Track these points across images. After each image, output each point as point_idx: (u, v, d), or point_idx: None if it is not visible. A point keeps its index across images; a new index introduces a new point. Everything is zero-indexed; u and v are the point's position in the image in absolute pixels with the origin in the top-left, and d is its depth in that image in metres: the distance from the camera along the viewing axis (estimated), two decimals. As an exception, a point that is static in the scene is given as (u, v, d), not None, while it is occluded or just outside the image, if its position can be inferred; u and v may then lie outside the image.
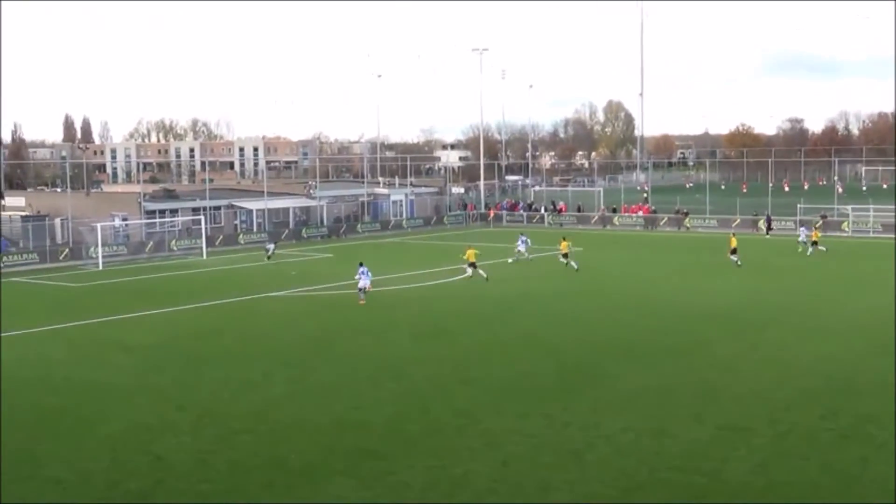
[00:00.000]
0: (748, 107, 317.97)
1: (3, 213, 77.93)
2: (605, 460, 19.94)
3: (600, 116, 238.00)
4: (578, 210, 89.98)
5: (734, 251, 53.07)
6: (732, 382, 26.29)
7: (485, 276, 48.37)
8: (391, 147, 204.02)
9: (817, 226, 67.94)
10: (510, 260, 56.55)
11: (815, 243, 59.09)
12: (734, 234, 56.64)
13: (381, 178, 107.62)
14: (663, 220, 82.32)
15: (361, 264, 43.53)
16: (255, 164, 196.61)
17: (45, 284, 52.12)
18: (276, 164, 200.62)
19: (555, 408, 23.86)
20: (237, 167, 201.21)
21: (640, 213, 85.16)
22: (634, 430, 21.84)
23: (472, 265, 48.89)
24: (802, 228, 63.86)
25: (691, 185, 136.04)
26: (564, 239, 54.86)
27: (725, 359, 29.48)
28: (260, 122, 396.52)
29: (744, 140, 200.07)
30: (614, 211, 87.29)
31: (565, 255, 52.93)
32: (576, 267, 51.73)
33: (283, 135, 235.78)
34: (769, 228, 74.76)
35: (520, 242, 57.35)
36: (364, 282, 42.46)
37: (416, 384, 26.83)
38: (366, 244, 71.85)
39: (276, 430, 22.40)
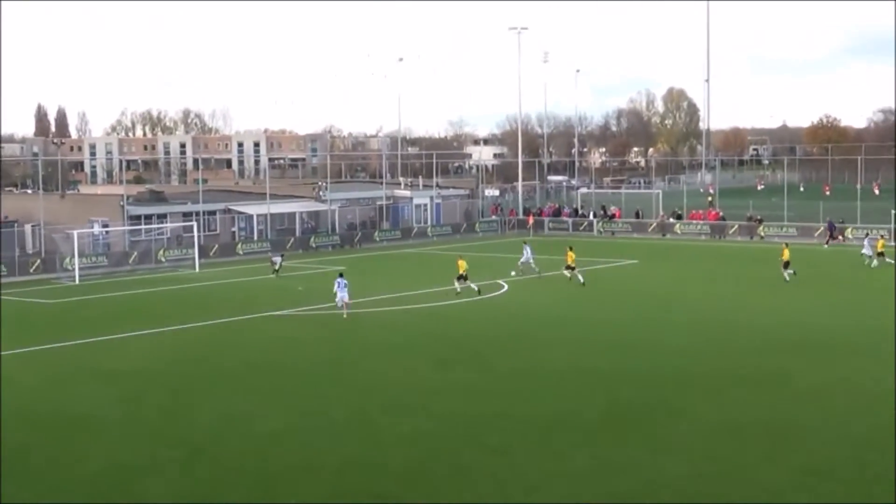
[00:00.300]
0: (833, 95, 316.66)
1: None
2: (662, 509, 19.86)
3: (659, 107, 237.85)
4: (637, 216, 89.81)
5: (787, 264, 53.41)
6: (813, 418, 26.11)
7: (476, 288, 49.53)
8: (414, 142, 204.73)
9: (882, 234, 68.13)
10: (513, 273, 57.23)
11: (881, 254, 59.47)
12: (787, 245, 56.97)
13: (402, 179, 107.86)
14: (733, 229, 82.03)
15: (341, 275, 45.64)
16: (256, 162, 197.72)
17: (14, 301, 52.53)
18: (281, 161, 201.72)
19: (604, 447, 23.79)
20: (235, 165, 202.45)
21: (706, 221, 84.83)
22: (698, 475, 21.72)
23: (463, 277, 49.95)
24: (867, 240, 63.84)
25: (763, 186, 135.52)
26: (571, 249, 55.89)
27: (806, 391, 29.28)
28: (262, 114, 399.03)
29: (828, 134, 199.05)
30: (678, 217, 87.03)
31: (571, 268, 53.86)
32: (581, 281, 52.61)
33: (289, 128, 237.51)
34: (832, 237, 75.09)
35: (525, 252, 58.30)
36: (341, 294, 44.30)
37: (441, 418, 26.82)
38: (384, 255, 72.03)
39: (276, 471, 22.44)
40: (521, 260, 57.84)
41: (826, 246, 73.43)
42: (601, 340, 37.80)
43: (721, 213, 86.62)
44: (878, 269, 57.74)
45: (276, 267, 60.74)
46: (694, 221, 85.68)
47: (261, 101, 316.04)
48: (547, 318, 42.81)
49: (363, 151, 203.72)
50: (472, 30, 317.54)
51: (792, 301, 46.60)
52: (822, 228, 76.49)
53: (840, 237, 75.19)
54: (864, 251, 61.63)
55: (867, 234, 67.53)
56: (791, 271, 53.20)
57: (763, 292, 49.79)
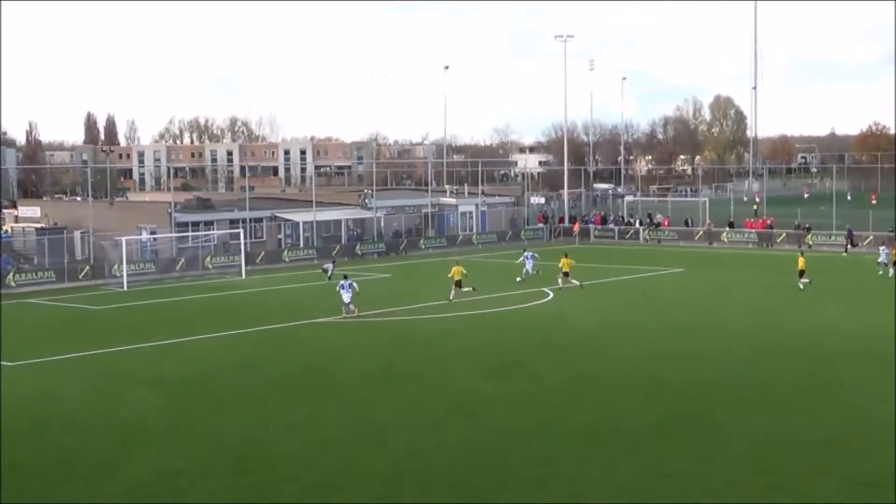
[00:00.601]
0: (883, 103, 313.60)
1: (15, 224, 79.70)
2: (711, 520, 19.69)
3: (706, 114, 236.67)
4: (686, 224, 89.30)
5: (802, 273, 53.41)
6: (866, 430, 25.83)
7: (472, 289, 50.94)
8: (460, 150, 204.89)
9: None
10: (518, 280, 57.73)
11: None
12: (802, 254, 56.92)
13: (447, 186, 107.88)
14: (780, 237, 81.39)
15: (346, 277, 47.64)
16: (303, 170, 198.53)
17: (62, 307, 53.06)
18: (327, 169, 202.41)
19: (651, 457, 23.65)
20: (282, 173, 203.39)
21: (756, 230, 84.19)
22: (746, 485, 21.55)
23: (457, 284, 50.56)
24: (883, 248, 63.45)
25: (808, 194, 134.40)
26: (566, 256, 56.77)
27: (858, 402, 28.98)
28: (308, 121, 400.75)
29: (877, 142, 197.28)
30: (731, 225, 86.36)
31: (566, 274, 54.59)
32: (579, 284, 54.22)
33: (335, 135, 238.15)
34: (852, 244, 75.50)
35: (526, 260, 59.33)
36: (346, 296, 45.78)
37: (488, 427, 26.77)
38: (429, 263, 72.02)
39: (324, 478, 22.49)
40: (526, 267, 58.87)
41: (845, 254, 73.70)
42: (649, 350, 37.60)
43: (771, 221, 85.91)
44: None
45: (329, 273, 61.01)
46: (741, 230, 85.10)
47: (307, 107, 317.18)
48: (593, 327, 42.67)
49: (409, 159, 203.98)
50: (519, 37, 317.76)
51: (842, 311, 46.13)
52: (871, 237, 75.77)
53: (859, 244, 75.39)
54: (880, 260, 61.38)
55: (883, 243, 67.09)
56: (807, 280, 53.19)
57: (812, 301, 49.32)
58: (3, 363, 36.66)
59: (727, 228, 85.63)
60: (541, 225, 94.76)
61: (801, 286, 53.04)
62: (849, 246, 75.70)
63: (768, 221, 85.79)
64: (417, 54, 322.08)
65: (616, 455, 23.84)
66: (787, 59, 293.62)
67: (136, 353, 38.85)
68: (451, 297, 50.43)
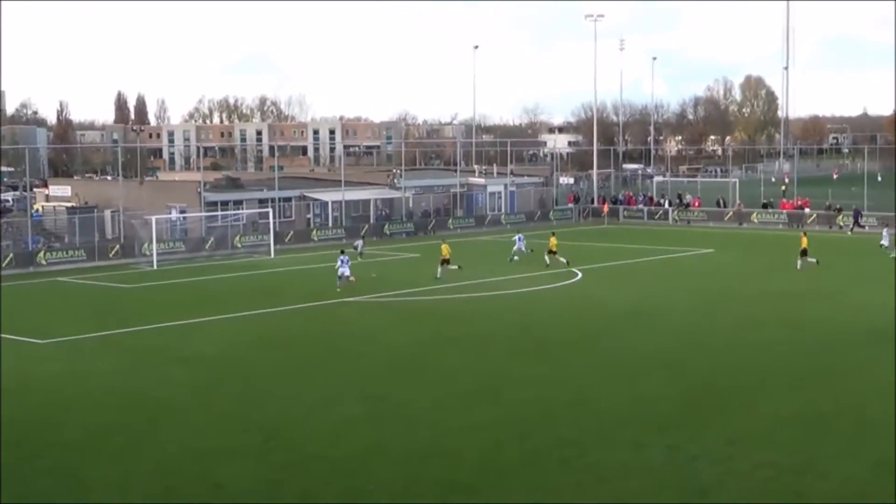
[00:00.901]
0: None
1: (46, 203, 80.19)
2: (737, 501, 19.68)
3: (737, 95, 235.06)
4: (718, 204, 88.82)
5: (804, 252, 53.45)
6: (892, 411, 25.69)
7: (458, 266, 52.15)
8: (489, 130, 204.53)
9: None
10: (511, 259, 58.81)
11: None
12: (805, 233, 56.71)
13: (476, 166, 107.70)
14: (811, 218, 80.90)
15: (342, 252, 49.87)
16: (332, 150, 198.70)
17: (93, 285, 53.40)
18: (356, 149, 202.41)
19: (679, 438, 23.63)
20: (311, 153, 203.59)
21: (784, 211, 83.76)
22: (774, 466, 21.51)
23: (445, 261, 52.13)
24: (885, 229, 63.50)
25: (837, 175, 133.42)
26: (553, 235, 58.77)
27: (886, 383, 28.80)
28: (337, 101, 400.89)
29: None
30: (765, 206, 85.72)
31: (553, 252, 56.03)
32: (565, 261, 55.26)
33: (364, 115, 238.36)
34: (858, 224, 76.23)
35: (518, 241, 60.87)
36: (343, 269, 47.79)
37: (515, 407, 26.82)
38: (458, 243, 71.93)
39: (352, 457, 22.59)
40: (514, 248, 60.15)
41: (850, 233, 74.30)
42: (677, 331, 37.55)
43: (803, 203, 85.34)
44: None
45: (360, 251, 61.35)
46: (771, 210, 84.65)
47: (336, 87, 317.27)
48: (621, 308, 42.60)
49: (438, 139, 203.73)
50: (549, 17, 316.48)
51: (870, 292, 45.81)
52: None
53: (865, 225, 75.98)
54: (882, 242, 61.29)
55: (886, 225, 67.02)
56: (813, 259, 53.24)
57: (841, 283, 49.08)
58: (34, 341, 37.03)
59: (758, 209, 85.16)
60: (570, 205, 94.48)
61: (799, 266, 53.08)
62: (855, 226, 76.30)
63: (800, 202, 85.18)
64: (447, 33, 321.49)
65: (644, 436, 23.83)
66: (819, 38, 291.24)
67: (166, 332, 39.09)
68: (437, 275, 51.37)
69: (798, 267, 53.04)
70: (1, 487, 20.58)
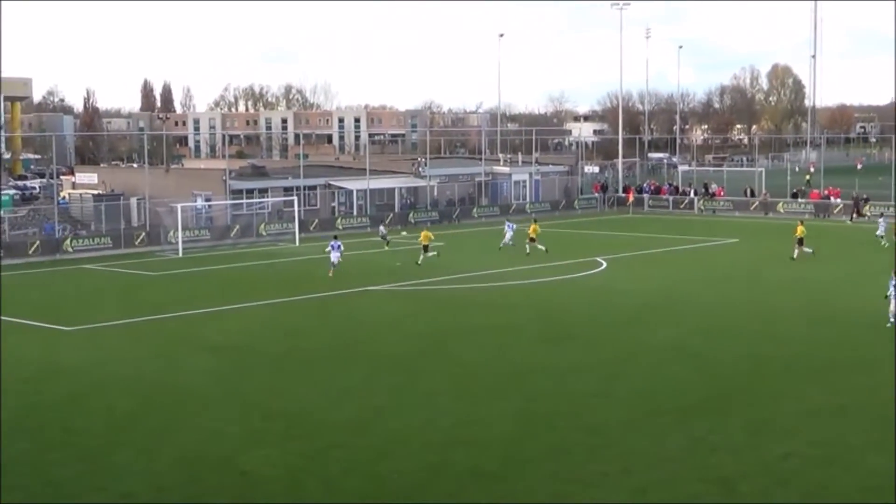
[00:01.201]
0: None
1: (72, 190, 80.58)
2: (761, 492, 19.61)
3: (763, 83, 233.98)
4: (745, 193, 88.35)
5: (801, 241, 53.46)
6: (920, 404, 25.57)
7: (436, 253, 53.40)
8: (514, 118, 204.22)
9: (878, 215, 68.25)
10: (501, 247, 59.32)
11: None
12: (802, 222, 56.63)
13: (501, 155, 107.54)
14: (837, 208, 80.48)
15: (336, 238, 51.45)
16: (357, 138, 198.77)
17: (119, 273, 53.64)
18: (381, 137, 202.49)
19: (703, 428, 23.57)
20: (336, 141, 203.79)
21: (812, 200, 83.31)
22: (799, 458, 21.43)
23: (425, 248, 53.38)
24: (882, 219, 63.38)
25: (861, 166, 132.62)
26: (535, 222, 60.30)
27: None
28: (362, 90, 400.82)
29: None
30: (795, 196, 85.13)
31: (532, 240, 56.84)
32: (544, 249, 56.15)
33: (389, 104, 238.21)
34: (859, 214, 76.90)
35: (508, 229, 61.31)
36: (335, 255, 49.26)
37: (540, 397, 26.80)
38: (482, 231, 71.98)
39: (375, 445, 22.63)
40: (505, 240, 60.40)
41: (850, 222, 74.90)
42: (702, 321, 37.43)
43: (829, 192, 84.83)
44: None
45: (386, 238, 61.76)
46: (798, 200, 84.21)
47: (362, 75, 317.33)
48: (646, 298, 42.48)
49: (463, 127, 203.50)
50: (574, 5, 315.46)
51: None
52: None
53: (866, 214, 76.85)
54: (878, 233, 61.06)
55: (882, 214, 67.18)
56: (809, 250, 53.28)
57: (868, 274, 48.72)
58: (60, 328, 37.25)
59: (784, 199, 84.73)
60: (595, 195, 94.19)
61: (796, 255, 53.03)
62: (854, 215, 76.96)
63: (827, 192, 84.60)
64: (472, 22, 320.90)
65: (668, 426, 23.80)
66: (847, 27, 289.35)
67: (191, 320, 39.25)
68: (419, 261, 52.60)
69: (794, 256, 53.03)
70: (27, 473, 20.73)
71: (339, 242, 50.42)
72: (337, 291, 45.08)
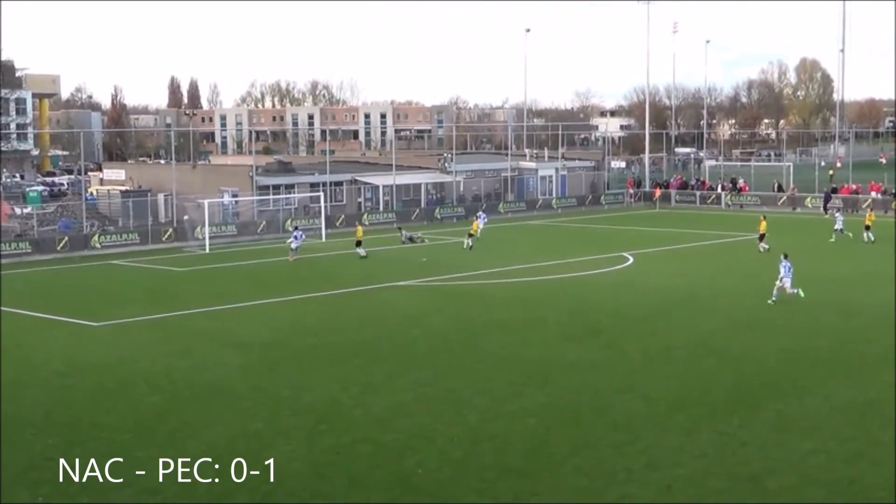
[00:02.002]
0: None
1: (100, 187, 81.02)
2: (788, 488, 19.52)
3: (791, 78, 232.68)
4: (773, 189, 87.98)
5: (762, 237, 54.33)
6: (949, 400, 25.39)
7: (363, 254, 54.73)
8: (540, 114, 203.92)
9: (868, 206, 69.43)
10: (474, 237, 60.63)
11: (867, 227, 59.06)
12: (765, 217, 57.31)
13: (527, 150, 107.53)
14: (866, 203, 79.93)
15: (296, 228, 56.19)
16: (383, 134, 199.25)
17: (146, 268, 53.91)
18: (407, 133, 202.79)
19: (730, 424, 23.48)
20: (362, 136, 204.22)
21: (841, 195, 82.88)
22: (827, 454, 21.33)
23: (358, 243, 55.14)
24: (839, 214, 63.44)
25: (885, 160, 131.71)
26: (477, 218, 63.69)
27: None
28: (389, 85, 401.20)
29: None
30: (834, 191, 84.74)
31: (471, 235, 59.09)
32: (469, 244, 58.31)
33: (415, 99, 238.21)
34: (825, 207, 77.48)
35: (480, 220, 64.42)
36: (296, 243, 53.84)
37: (566, 392, 26.76)
38: (509, 227, 71.95)
39: (401, 441, 22.66)
40: (480, 225, 63.37)
41: (827, 215, 74.99)
42: (729, 316, 37.25)
43: (857, 188, 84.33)
44: (872, 243, 57.23)
45: (406, 238, 61.99)
46: (822, 195, 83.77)
47: (388, 71, 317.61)
48: (673, 293, 42.34)
49: (489, 123, 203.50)
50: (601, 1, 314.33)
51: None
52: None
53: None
54: (836, 227, 60.94)
55: (839, 208, 67.17)
56: (766, 246, 54.03)
57: (890, 271, 48.46)
58: (88, 323, 37.47)
59: (812, 194, 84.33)
60: (630, 190, 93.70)
61: (761, 249, 53.63)
62: (826, 208, 77.75)
63: (855, 188, 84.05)
64: (498, 17, 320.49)
65: (694, 422, 23.71)
66: (877, 20, 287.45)
67: (218, 315, 39.38)
68: (361, 255, 54.65)
69: (760, 250, 53.67)
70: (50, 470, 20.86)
71: (300, 232, 55.62)
72: (363, 287, 45.14)
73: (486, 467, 20.85)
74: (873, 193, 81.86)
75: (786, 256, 39.81)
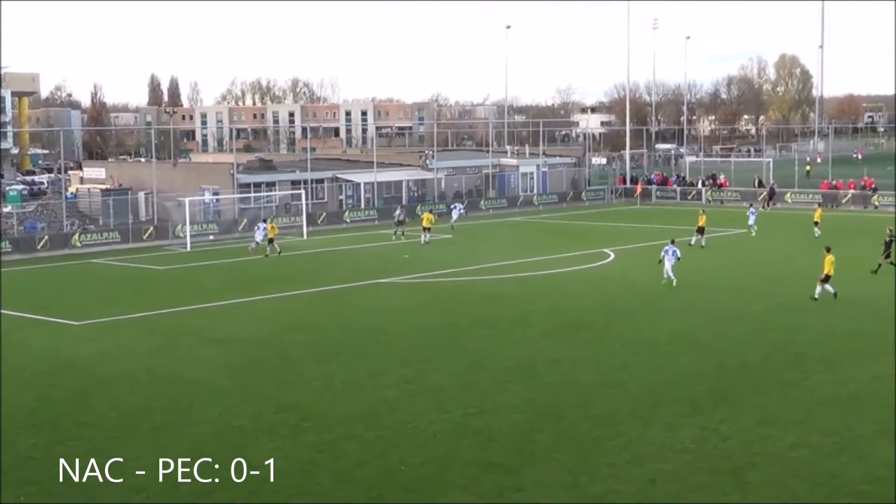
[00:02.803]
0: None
1: (81, 185, 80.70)
2: (771, 481, 19.59)
3: (771, 74, 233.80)
4: (753, 184, 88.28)
5: (701, 230, 55.13)
6: (930, 393, 25.52)
7: (278, 250, 55.14)
8: (521, 110, 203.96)
9: (819, 203, 70.58)
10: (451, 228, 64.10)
11: (816, 223, 60.02)
12: (704, 212, 58.07)
13: (508, 147, 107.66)
14: (846, 198, 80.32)
15: (265, 220, 57.88)
16: (364, 131, 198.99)
17: (127, 267, 53.74)
18: (388, 130, 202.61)
19: (712, 419, 23.56)
20: (343, 134, 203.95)
21: (821, 190, 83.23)
22: (809, 447, 21.41)
23: (270, 241, 55.61)
24: (751, 209, 64.85)
25: (860, 156, 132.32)
26: (430, 212, 64.33)
27: (922, 364, 28.60)
28: (369, 82, 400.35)
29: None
30: (836, 188, 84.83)
31: (427, 230, 59.95)
32: (409, 241, 59.50)
33: (396, 96, 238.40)
34: (769, 202, 79.01)
35: (454, 211, 68.42)
36: (258, 235, 55.99)
37: (548, 387, 26.80)
38: (490, 223, 71.99)
39: (385, 437, 22.65)
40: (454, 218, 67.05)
41: (767, 209, 76.94)
42: (711, 311, 37.37)
43: (834, 181, 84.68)
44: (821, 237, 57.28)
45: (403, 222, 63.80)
46: (805, 190, 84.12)
47: (368, 68, 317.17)
48: (654, 288, 42.42)
49: (470, 120, 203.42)
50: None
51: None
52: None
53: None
54: (749, 222, 62.39)
55: (751, 204, 68.40)
56: (702, 239, 55.18)
57: (874, 265, 48.59)
58: (69, 322, 37.33)
59: (792, 189, 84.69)
60: (616, 186, 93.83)
61: (693, 243, 54.63)
62: (769, 203, 79.06)
63: (869, 182, 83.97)
64: (479, 13, 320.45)
65: (677, 417, 23.77)
66: (855, 16, 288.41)
67: (201, 313, 39.29)
68: (274, 251, 55.30)
69: (692, 243, 54.56)
70: (32, 469, 20.78)
71: (265, 225, 56.82)
72: (346, 284, 45.09)
73: (469, 463, 20.86)
74: (868, 188, 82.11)
75: (672, 242, 43.77)
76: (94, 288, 47.20)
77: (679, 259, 42.91)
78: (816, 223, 59.89)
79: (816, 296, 38.63)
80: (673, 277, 42.16)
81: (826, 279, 38.82)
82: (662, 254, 42.95)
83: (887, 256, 45.43)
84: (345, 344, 32.81)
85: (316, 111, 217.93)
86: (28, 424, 24.09)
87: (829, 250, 39.59)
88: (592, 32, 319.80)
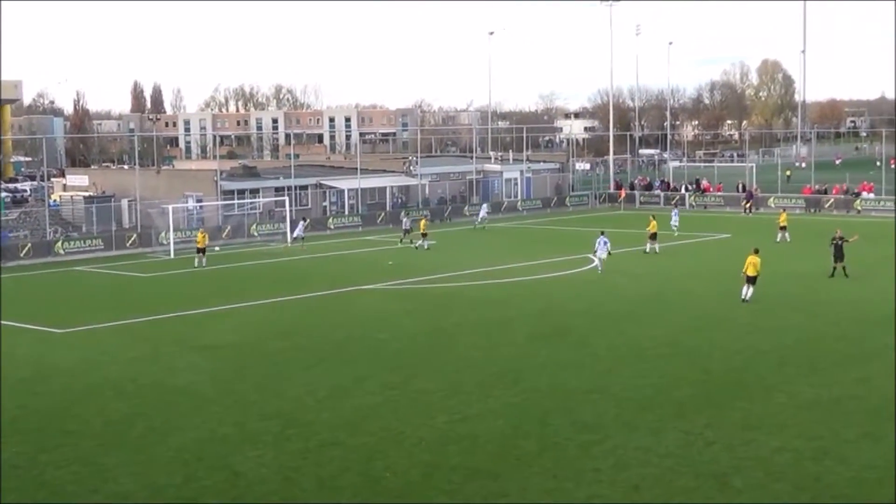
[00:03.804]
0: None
1: (63, 193, 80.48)
2: (755, 486, 19.65)
3: (753, 79, 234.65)
4: (737, 189, 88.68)
5: (654, 236, 55.87)
6: (912, 396, 25.63)
7: (426, 246, 57.80)
8: (505, 116, 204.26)
9: (784, 208, 70.63)
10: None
11: (783, 228, 60.31)
12: (654, 217, 58.49)
13: (492, 153, 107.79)
14: (829, 202, 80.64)
15: (304, 219, 61.90)
16: (348, 137, 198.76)
17: (111, 274, 53.60)
18: (372, 136, 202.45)
19: (697, 423, 23.62)
20: (326, 140, 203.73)
21: (804, 195, 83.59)
22: (793, 451, 21.48)
23: (201, 251, 55.36)
24: (675, 212, 65.92)
25: (840, 160, 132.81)
26: (425, 217, 65.80)
27: (904, 368, 28.73)
28: (353, 89, 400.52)
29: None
30: (825, 192, 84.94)
31: (424, 235, 60.60)
32: (416, 248, 60.02)
33: (380, 103, 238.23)
34: (749, 208, 79.57)
35: (482, 210, 71.68)
36: (298, 231, 61.14)
37: (534, 393, 26.83)
38: (474, 229, 72.01)
39: (369, 444, 22.65)
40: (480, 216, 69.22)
41: (749, 214, 78.18)
42: (695, 316, 37.51)
43: (825, 186, 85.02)
44: (786, 243, 58.55)
45: (409, 231, 64.08)
46: (788, 195, 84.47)
47: (352, 75, 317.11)
48: (640, 293, 42.55)
49: (453, 126, 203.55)
50: (564, 2, 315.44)
51: (885, 279, 45.60)
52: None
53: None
54: (672, 223, 63.78)
55: (675, 206, 69.26)
56: (655, 245, 55.74)
57: (865, 269, 48.77)
58: (52, 330, 37.22)
59: (775, 194, 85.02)
60: (584, 191, 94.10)
61: (647, 250, 55.18)
62: (751, 207, 79.84)
63: (868, 187, 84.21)
64: (462, 20, 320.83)
65: (662, 421, 23.82)
66: (838, 21, 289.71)
67: (185, 320, 39.24)
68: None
69: (647, 251, 55.22)
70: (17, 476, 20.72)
71: (303, 223, 61.09)
72: (331, 291, 45.09)
73: (454, 469, 20.88)
74: (864, 193, 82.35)
75: (602, 233, 48.54)
76: (78, 295, 47.07)
77: (610, 254, 47.90)
78: (783, 227, 59.97)
79: (747, 298, 39.43)
80: (601, 268, 47.39)
81: (751, 280, 39.57)
82: (596, 245, 47.52)
83: (839, 260, 45.40)
84: (329, 350, 32.80)
85: (299, 117, 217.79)
86: (12, 432, 24.00)
87: (756, 252, 40.37)
88: (575, 38, 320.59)
